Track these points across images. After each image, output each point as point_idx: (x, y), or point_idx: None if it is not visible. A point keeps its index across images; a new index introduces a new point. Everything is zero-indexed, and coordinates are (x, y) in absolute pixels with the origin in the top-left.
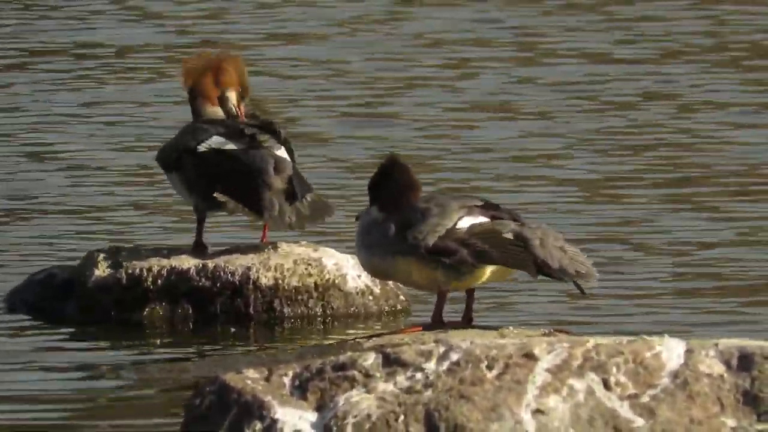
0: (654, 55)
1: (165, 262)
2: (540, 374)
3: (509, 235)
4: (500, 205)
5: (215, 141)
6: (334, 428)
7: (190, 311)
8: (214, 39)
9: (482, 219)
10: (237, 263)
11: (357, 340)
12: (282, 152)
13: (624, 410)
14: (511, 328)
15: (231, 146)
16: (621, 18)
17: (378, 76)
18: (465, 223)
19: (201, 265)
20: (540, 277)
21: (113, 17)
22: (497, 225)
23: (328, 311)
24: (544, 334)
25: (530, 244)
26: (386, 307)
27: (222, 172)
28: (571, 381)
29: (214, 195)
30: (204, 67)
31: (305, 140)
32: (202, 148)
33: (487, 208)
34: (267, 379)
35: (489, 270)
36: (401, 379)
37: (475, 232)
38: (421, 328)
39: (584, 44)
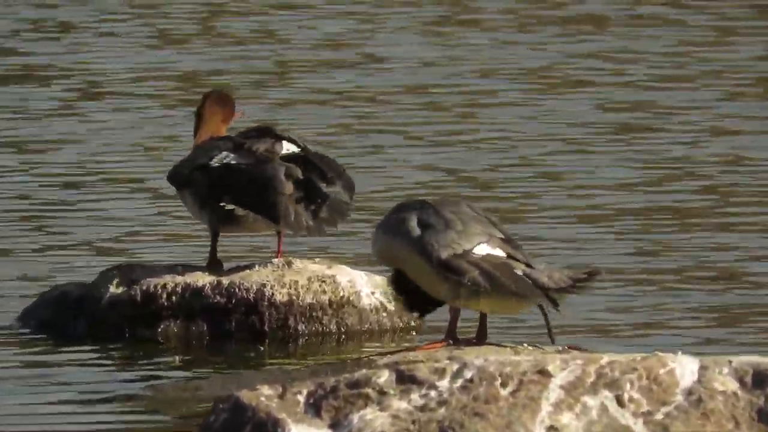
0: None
1: (179, 279)
2: (554, 391)
3: (519, 273)
4: (519, 244)
5: (224, 156)
6: None
7: (205, 328)
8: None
9: (499, 252)
10: (252, 280)
11: (371, 357)
12: (287, 145)
13: (638, 427)
14: (525, 344)
15: (238, 161)
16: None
17: (405, 99)
18: (481, 249)
19: (215, 282)
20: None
21: (132, 42)
22: (510, 261)
23: (342, 328)
24: (559, 351)
25: (540, 281)
26: (400, 324)
27: (233, 184)
28: (585, 398)
29: (222, 204)
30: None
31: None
32: (214, 163)
33: (507, 243)
34: (281, 397)
35: (493, 301)
36: (415, 396)
37: (489, 261)
38: (438, 345)
39: (609, 71)
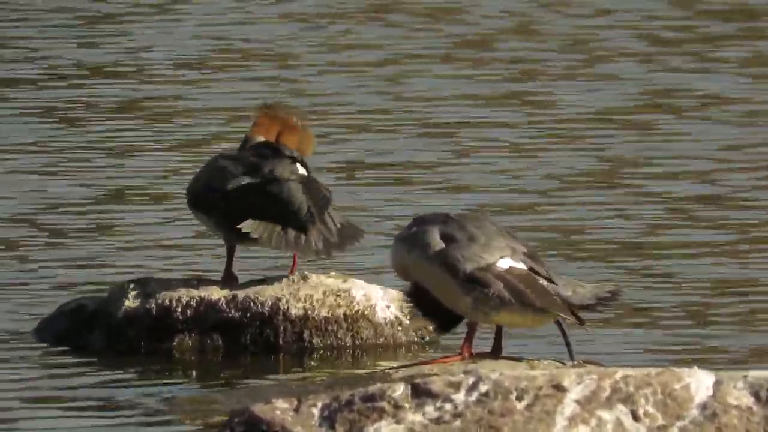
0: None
1: (194, 292)
2: (569, 405)
3: (544, 285)
4: (541, 259)
5: (239, 180)
6: None
7: (220, 342)
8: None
9: (522, 266)
10: (266, 294)
11: (386, 370)
12: (301, 169)
13: None
14: (540, 359)
15: (252, 181)
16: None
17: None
18: (504, 263)
19: (231, 296)
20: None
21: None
22: (533, 275)
23: (357, 342)
24: (574, 365)
25: (563, 296)
26: (415, 338)
27: (251, 205)
28: (600, 412)
29: (240, 227)
30: (279, 119)
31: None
32: (230, 186)
33: (529, 257)
34: (296, 410)
35: (515, 315)
36: (430, 409)
37: (512, 274)
38: (454, 359)
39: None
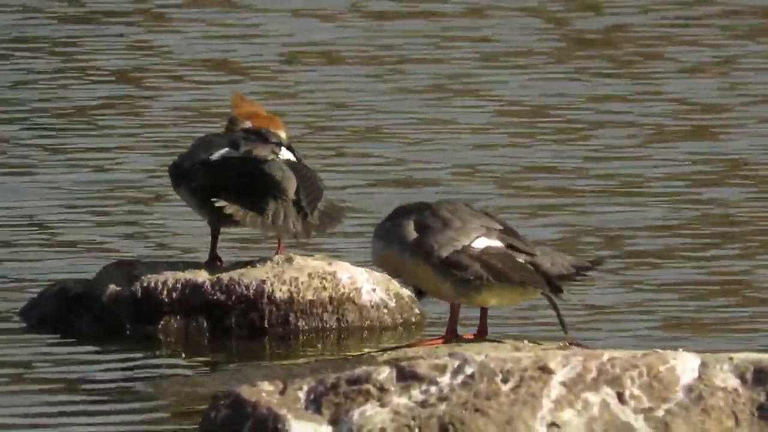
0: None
1: (179, 275)
2: (555, 387)
3: (521, 261)
4: (519, 233)
5: (224, 153)
6: None
7: (205, 325)
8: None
9: (497, 243)
10: (251, 276)
11: (371, 353)
12: (286, 153)
13: (638, 424)
14: (526, 341)
15: (236, 158)
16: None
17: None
18: (481, 243)
19: (215, 279)
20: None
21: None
22: (510, 251)
23: (342, 325)
24: (560, 347)
25: (542, 268)
26: (401, 321)
27: (229, 181)
28: (586, 394)
29: (213, 201)
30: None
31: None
32: (214, 157)
33: (506, 233)
34: (282, 393)
35: (496, 293)
36: (416, 392)
37: (489, 253)
38: (439, 341)
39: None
